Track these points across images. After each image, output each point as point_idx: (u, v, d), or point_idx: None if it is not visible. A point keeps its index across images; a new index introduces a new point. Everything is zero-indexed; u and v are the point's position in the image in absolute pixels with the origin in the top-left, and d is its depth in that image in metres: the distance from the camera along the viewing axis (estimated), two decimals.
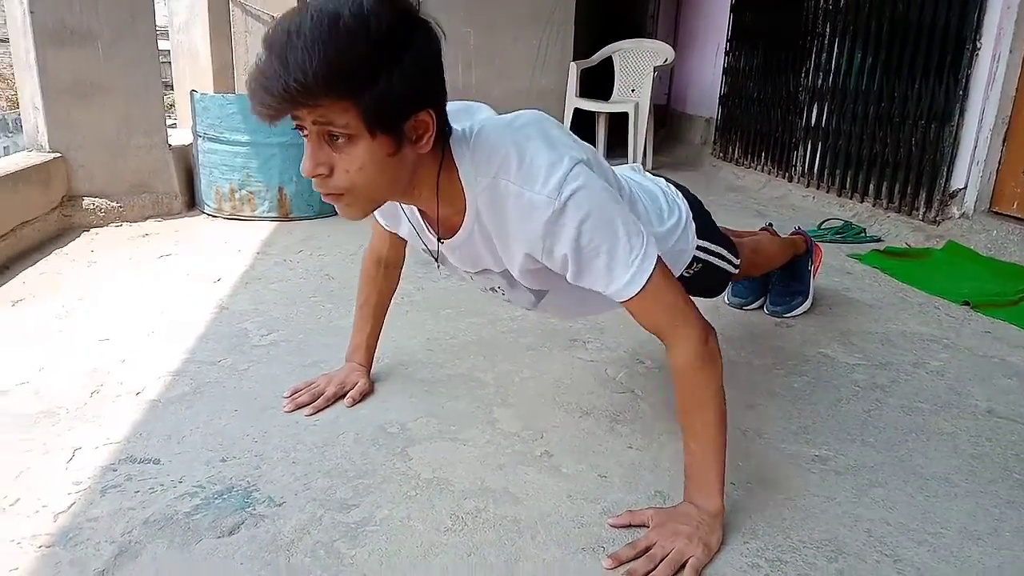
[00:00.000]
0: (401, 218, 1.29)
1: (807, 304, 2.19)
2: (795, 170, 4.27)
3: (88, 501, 1.19)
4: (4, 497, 1.19)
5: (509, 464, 1.35)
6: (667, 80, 6.62)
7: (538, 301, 1.34)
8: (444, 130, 1.06)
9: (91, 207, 2.85)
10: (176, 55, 4.59)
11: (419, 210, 1.21)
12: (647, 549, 1.10)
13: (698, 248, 1.52)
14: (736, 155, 5.00)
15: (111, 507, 1.18)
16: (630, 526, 1.17)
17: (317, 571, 1.06)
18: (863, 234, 3.19)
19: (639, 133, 4.86)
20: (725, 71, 5.17)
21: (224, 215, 3.15)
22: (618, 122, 5.03)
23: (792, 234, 2.25)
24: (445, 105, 1.05)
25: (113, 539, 1.10)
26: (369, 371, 1.64)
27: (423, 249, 1.31)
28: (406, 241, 1.45)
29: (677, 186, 1.57)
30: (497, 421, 1.50)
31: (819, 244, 2.27)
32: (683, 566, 1.08)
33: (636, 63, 5.23)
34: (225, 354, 1.78)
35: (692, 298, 1.16)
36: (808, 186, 4.11)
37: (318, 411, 1.50)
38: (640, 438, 1.46)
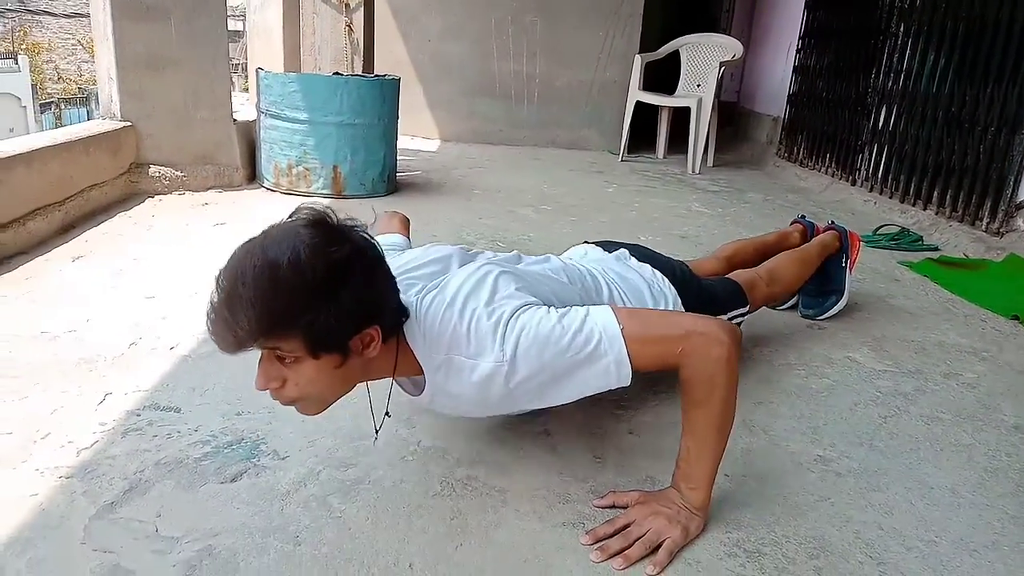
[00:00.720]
0: None
1: (842, 304, 2.14)
2: (859, 174, 4.14)
3: (110, 440, 1.29)
4: (37, 431, 1.30)
5: (509, 439, 1.38)
6: (738, 77, 6.51)
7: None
8: (398, 323, 1.12)
9: (157, 175, 3.00)
10: (252, 35, 4.76)
11: None
12: (625, 527, 1.12)
13: None
14: (801, 156, 4.89)
15: (129, 447, 1.27)
16: (614, 506, 1.19)
17: (307, 521, 1.12)
18: (919, 242, 3.09)
19: (700, 129, 4.79)
20: (795, 69, 5.05)
21: (281, 190, 3.27)
22: (682, 117, 4.97)
23: (825, 229, 2.20)
24: (393, 307, 1.09)
25: (126, 476, 1.19)
26: None
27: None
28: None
29: (664, 267, 1.57)
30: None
31: (855, 234, 2.20)
32: (658, 547, 1.09)
33: (703, 58, 5.15)
34: None
35: None
36: (871, 191, 3.99)
37: None
38: (642, 426, 1.47)
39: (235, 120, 3.26)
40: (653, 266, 1.56)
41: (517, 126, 5.44)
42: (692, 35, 5.24)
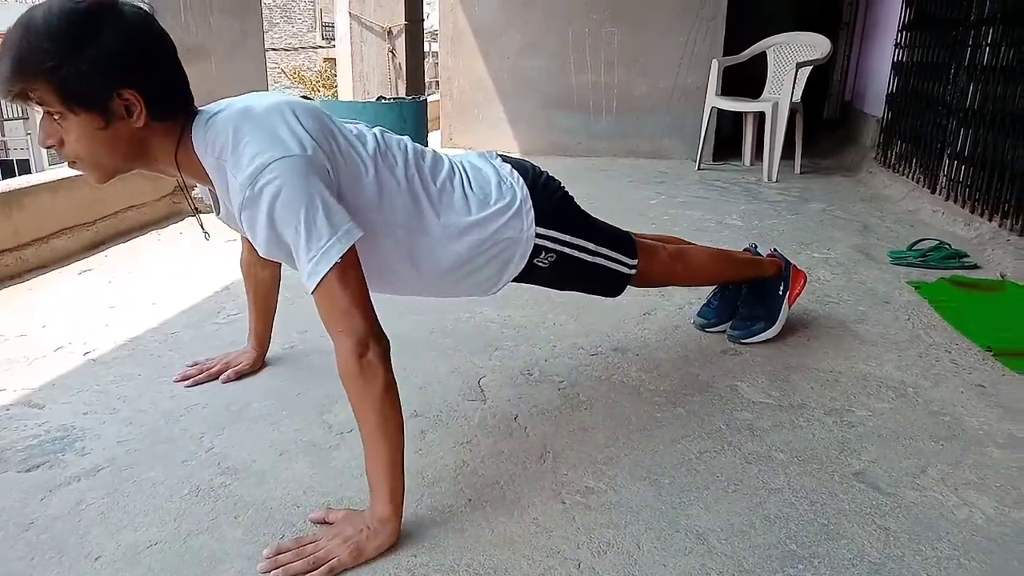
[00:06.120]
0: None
1: (771, 332, 1.99)
2: (940, 181, 3.72)
3: None
4: None
5: (292, 452, 1.47)
6: (853, 75, 6.03)
7: None
8: (173, 102, 1.21)
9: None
10: (339, 62, 5.15)
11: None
12: (309, 543, 1.17)
13: (538, 236, 1.51)
14: (892, 161, 4.45)
15: None
16: (324, 522, 1.25)
17: (53, 511, 1.27)
18: (958, 259, 2.73)
19: (776, 135, 4.51)
20: (893, 66, 4.61)
21: None
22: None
23: (768, 256, 2.06)
24: (164, 86, 1.19)
25: None
26: (261, 354, 1.84)
27: None
28: None
29: (526, 173, 1.55)
30: (326, 412, 1.62)
31: (802, 272, 2.05)
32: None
33: (789, 59, 4.84)
34: (184, 327, 2.09)
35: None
36: (947, 199, 3.57)
37: (196, 384, 1.74)
38: (433, 446, 1.49)
39: None
40: (514, 167, 1.56)
41: (596, 137, 5.41)
42: (780, 35, 4.95)
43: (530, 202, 1.50)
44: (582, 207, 1.65)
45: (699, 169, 4.92)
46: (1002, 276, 2.56)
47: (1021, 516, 1.28)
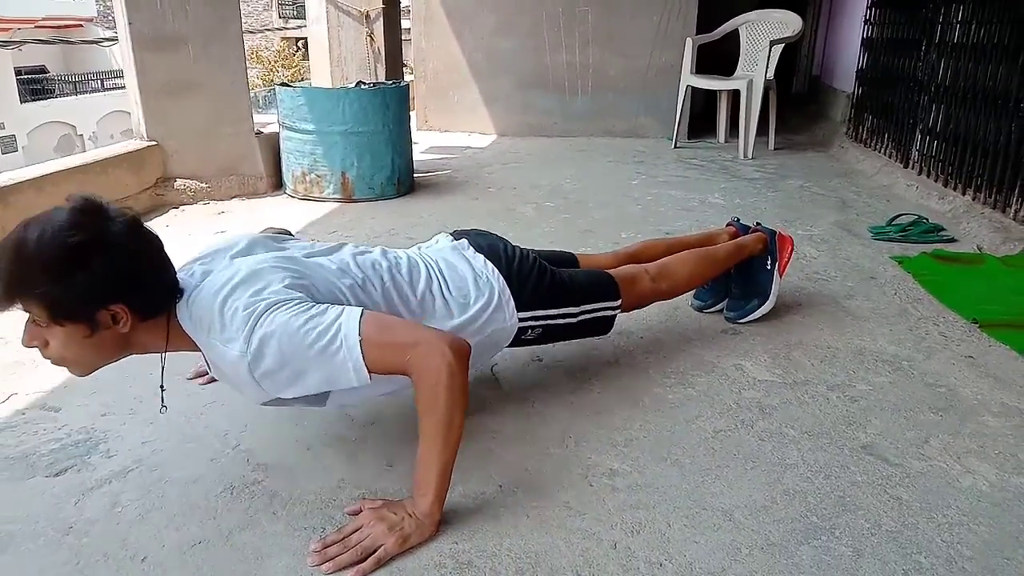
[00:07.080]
0: None
1: (765, 308, 2.06)
2: (912, 156, 3.82)
3: None
4: None
5: (318, 447, 1.49)
6: (821, 51, 6.12)
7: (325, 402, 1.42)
8: (160, 303, 1.26)
9: (182, 187, 3.34)
10: (311, 45, 5.07)
11: None
12: (353, 533, 1.20)
13: (521, 320, 1.57)
14: (864, 136, 4.56)
15: None
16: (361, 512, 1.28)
17: (89, 514, 1.29)
18: (934, 233, 2.83)
19: (751, 112, 4.57)
20: (863, 43, 4.70)
21: (299, 196, 3.52)
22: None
23: (752, 231, 2.11)
24: (150, 294, 1.24)
25: None
26: None
27: None
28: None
29: (498, 258, 1.60)
30: (347, 405, 1.64)
31: (788, 237, 2.10)
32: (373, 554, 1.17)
33: (761, 36, 4.90)
34: None
35: None
36: (920, 173, 3.68)
37: (210, 381, 1.74)
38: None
39: (259, 133, 3.54)
40: (487, 256, 1.61)
41: (572, 118, 5.43)
42: (751, 12, 5.00)
43: (508, 291, 1.55)
44: (557, 275, 1.65)
45: (676, 147, 4.97)
46: (979, 248, 2.66)
47: (1021, 481, 1.36)
